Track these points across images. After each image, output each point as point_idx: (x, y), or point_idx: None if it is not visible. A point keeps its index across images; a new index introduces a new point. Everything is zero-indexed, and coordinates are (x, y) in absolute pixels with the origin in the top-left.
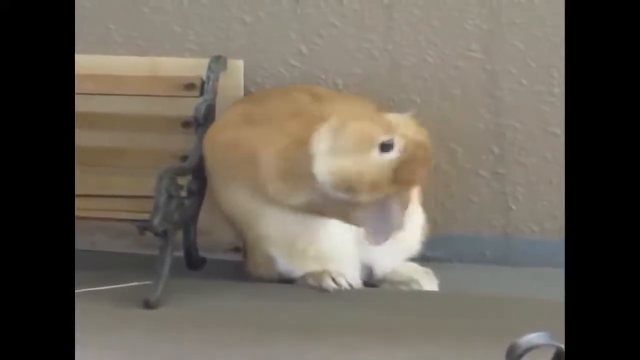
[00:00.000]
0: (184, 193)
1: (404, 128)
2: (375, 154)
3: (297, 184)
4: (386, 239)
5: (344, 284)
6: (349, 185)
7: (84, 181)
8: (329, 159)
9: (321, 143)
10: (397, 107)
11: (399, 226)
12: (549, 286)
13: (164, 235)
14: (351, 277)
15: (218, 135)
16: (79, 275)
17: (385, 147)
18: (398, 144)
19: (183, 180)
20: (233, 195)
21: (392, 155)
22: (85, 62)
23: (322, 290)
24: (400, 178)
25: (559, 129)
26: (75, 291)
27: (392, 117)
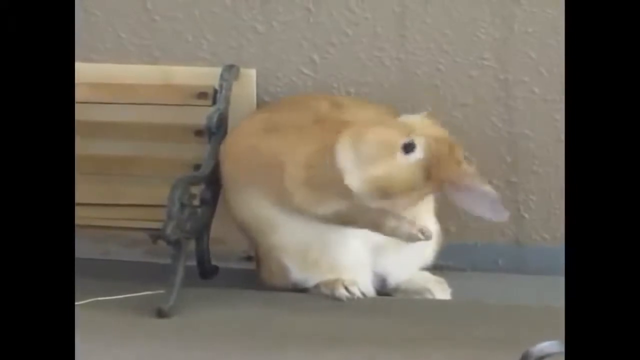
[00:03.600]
0: (196, 202)
1: (423, 127)
2: (400, 156)
3: (325, 193)
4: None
5: (357, 293)
6: (384, 191)
7: (96, 190)
8: (358, 169)
9: (346, 155)
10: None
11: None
12: (561, 294)
13: (176, 244)
14: (364, 286)
15: (237, 144)
16: (92, 284)
17: (408, 147)
18: (420, 144)
19: (196, 189)
20: (248, 204)
21: (417, 155)
22: (97, 71)
23: (335, 299)
24: (432, 176)
25: None
26: (88, 300)
27: (409, 118)
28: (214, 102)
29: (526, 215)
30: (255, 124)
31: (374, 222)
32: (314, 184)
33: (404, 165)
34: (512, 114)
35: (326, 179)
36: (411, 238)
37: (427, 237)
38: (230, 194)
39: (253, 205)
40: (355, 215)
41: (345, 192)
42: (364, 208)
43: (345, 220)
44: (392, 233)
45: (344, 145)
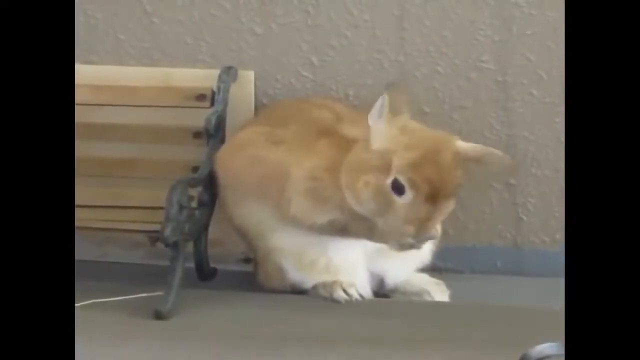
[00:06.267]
0: (194, 204)
1: (397, 147)
2: (397, 200)
3: (322, 205)
4: None
5: (355, 295)
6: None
7: (95, 192)
8: (376, 217)
9: (360, 207)
10: None
11: None
12: (560, 296)
13: (175, 246)
14: (362, 287)
15: (237, 154)
16: (90, 286)
17: (398, 190)
18: (404, 181)
19: (194, 191)
20: (247, 210)
21: (408, 195)
22: (97, 73)
23: (333, 300)
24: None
25: None
26: (87, 302)
27: (378, 128)
28: (213, 104)
29: (525, 218)
30: (254, 136)
31: (365, 231)
32: (314, 195)
33: (404, 208)
34: (511, 117)
35: (327, 193)
36: (400, 247)
37: (417, 247)
38: (228, 201)
39: (253, 212)
40: (348, 225)
41: (343, 206)
42: (356, 218)
43: (338, 229)
44: (383, 240)
45: (350, 198)
